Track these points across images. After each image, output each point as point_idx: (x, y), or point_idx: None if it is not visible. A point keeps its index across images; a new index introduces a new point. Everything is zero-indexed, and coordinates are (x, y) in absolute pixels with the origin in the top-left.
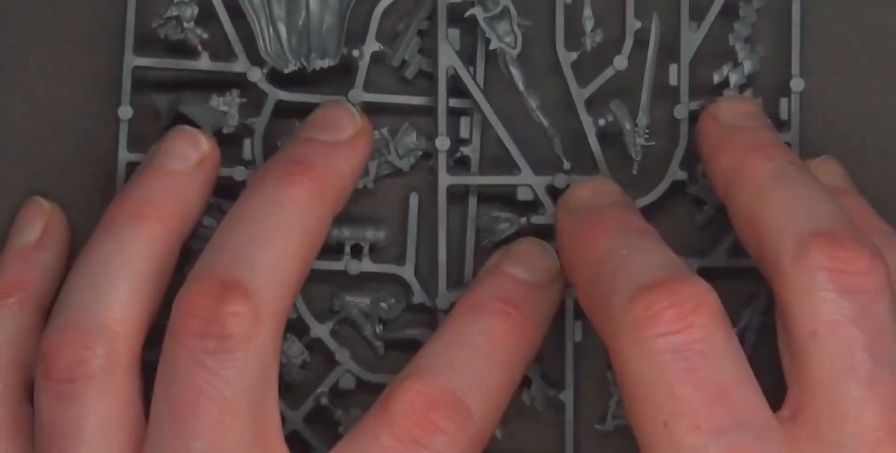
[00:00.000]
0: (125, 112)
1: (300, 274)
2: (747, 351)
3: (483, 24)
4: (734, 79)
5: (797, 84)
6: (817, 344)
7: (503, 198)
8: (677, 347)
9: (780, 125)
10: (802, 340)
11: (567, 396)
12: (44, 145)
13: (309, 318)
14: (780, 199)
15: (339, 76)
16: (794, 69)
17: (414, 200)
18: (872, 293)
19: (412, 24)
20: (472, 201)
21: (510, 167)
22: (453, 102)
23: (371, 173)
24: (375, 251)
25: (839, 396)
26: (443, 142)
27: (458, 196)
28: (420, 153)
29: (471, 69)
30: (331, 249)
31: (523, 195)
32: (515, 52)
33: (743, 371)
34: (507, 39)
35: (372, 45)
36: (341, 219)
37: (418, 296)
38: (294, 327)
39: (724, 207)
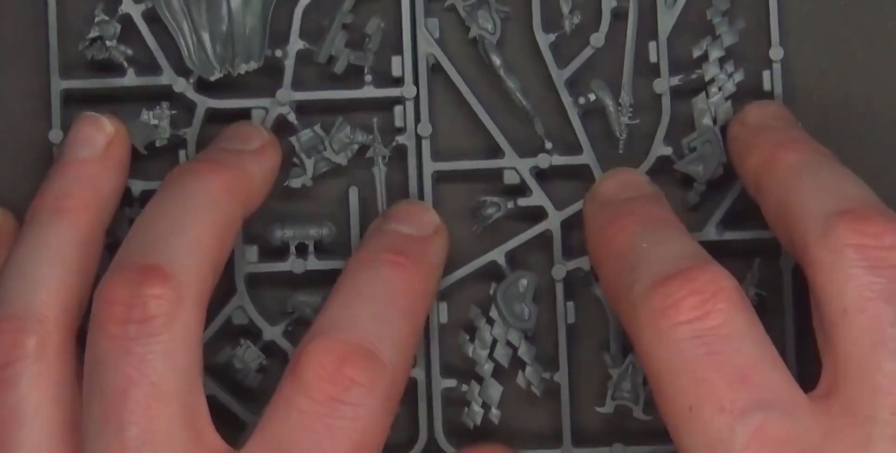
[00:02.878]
0: (56, 135)
1: (217, 259)
2: None
3: (462, 12)
4: (714, 53)
5: (776, 53)
6: (847, 322)
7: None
8: (697, 333)
9: (764, 96)
10: (833, 318)
11: (562, 377)
12: None
13: (260, 322)
14: (807, 184)
15: (267, 78)
16: (773, 38)
17: (354, 195)
18: None
19: (336, 18)
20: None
21: (494, 152)
22: (385, 92)
23: (309, 172)
24: (321, 249)
25: (871, 371)
26: (424, 128)
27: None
28: (356, 147)
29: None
30: (276, 250)
31: (509, 178)
32: (495, 39)
33: (766, 351)
34: (487, 26)
35: (296, 44)
36: (284, 219)
37: None
38: (248, 332)
39: (757, 205)
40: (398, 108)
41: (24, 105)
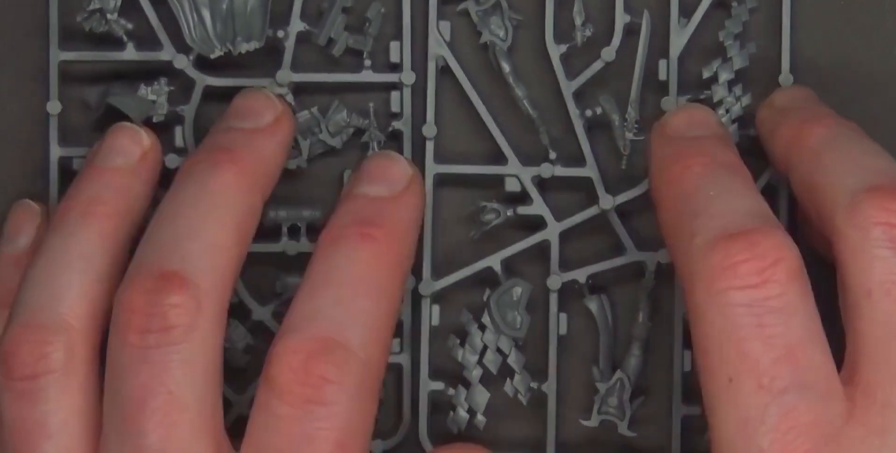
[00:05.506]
0: (54, 106)
1: (237, 260)
2: None
3: (475, 17)
4: (723, 75)
5: (786, 79)
6: (871, 305)
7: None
8: (751, 302)
9: None
10: (857, 300)
11: (549, 388)
12: None
13: (250, 302)
14: (835, 159)
15: (267, 58)
16: (783, 65)
17: (348, 178)
18: None
19: (336, 1)
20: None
21: (497, 158)
22: (382, 77)
23: (304, 153)
24: (313, 231)
25: (891, 357)
26: (429, 130)
27: None
28: (352, 130)
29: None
30: (268, 231)
31: (510, 186)
32: (506, 45)
33: (814, 331)
34: (499, 32)
35: (297, 26)
36: (277, 200)
37: None
38: (236, 311)
39: (788, 183)
40: (395, 94)
41: (23, 76)
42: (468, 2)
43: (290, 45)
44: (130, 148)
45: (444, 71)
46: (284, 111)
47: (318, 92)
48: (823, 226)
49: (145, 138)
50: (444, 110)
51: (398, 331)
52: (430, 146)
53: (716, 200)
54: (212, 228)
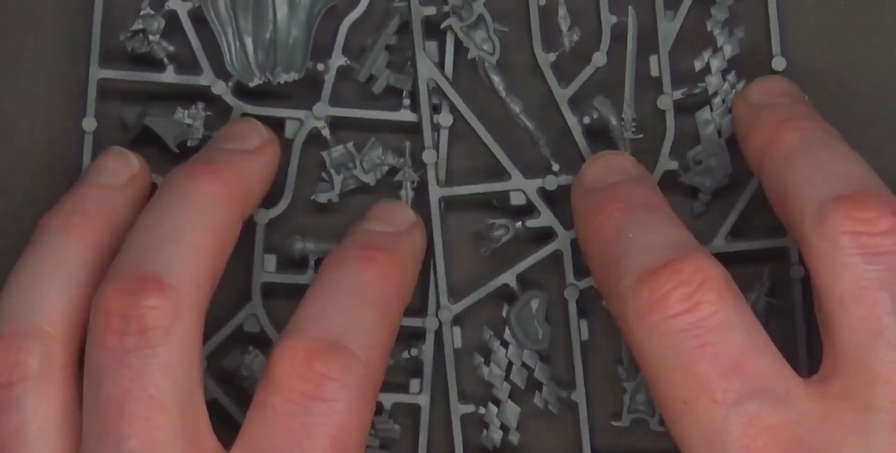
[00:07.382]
0: (90, 123)
1: (215, 266)
2: None
3: (460, 34)
4: (716, 64)
5: (779, 63)
6: (845, 311)
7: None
8: (688, 327)
9: None
10: (831, 307)
11: (579, 395)
12: (10, 158)
13: (272, 332)
14: (805, 167)
15: (306, 90)
16: (774, 49)
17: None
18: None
19: (379, 38)
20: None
21: (499, 174)
22: (411, 117)
23: (336, 187)
24: None
25: (869, 360)
26: (430, 156)
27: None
28: (386, 168)
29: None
30: (295, 263)
31: (516, 200)
32: (494, 59)
33: (757, 339)
34: (485, 47)
35: (338, 60)
36: (306, 232)
37: None
38: (258, 341)
39: (762, 185)
40: (433, 135)
41: (62, 92)
42: (451, 18)
43: (329, 78)
44: (119, 169)
45: (436, 92)
46: (271, 138)
47: (354, 127)
48: (793, 234)
49: (134, 161)
50: (441, 131)
51: (419, 371)
52: (431, 171)
53: (635, 240)
54: (190, 234)
